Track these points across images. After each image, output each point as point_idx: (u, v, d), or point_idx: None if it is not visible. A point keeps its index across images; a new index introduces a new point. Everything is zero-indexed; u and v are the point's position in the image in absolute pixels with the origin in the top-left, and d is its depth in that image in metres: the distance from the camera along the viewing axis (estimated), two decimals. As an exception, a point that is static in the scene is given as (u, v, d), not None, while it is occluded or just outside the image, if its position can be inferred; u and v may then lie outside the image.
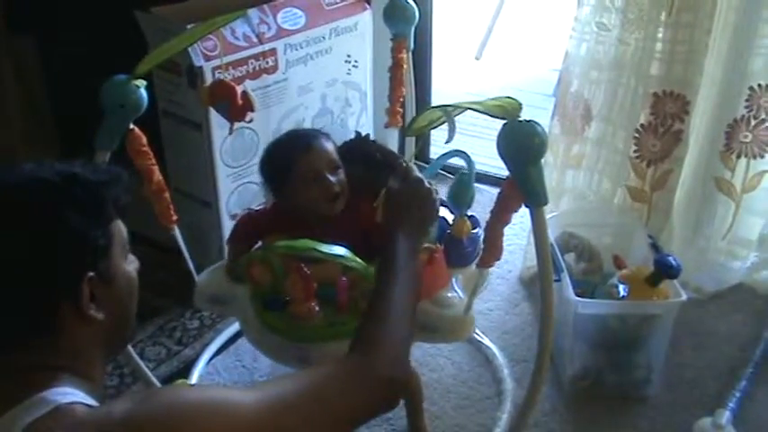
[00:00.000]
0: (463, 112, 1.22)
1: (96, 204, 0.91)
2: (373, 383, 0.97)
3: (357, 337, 1.03)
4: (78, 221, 0.88)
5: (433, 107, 1.29)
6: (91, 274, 0.89)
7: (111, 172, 0.96)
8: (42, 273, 0.87)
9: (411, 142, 1.92)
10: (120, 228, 0.96)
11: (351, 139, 1.50)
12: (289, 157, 1.38)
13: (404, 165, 1.28)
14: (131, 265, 0.99)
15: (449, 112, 1.24)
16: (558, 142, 1.98)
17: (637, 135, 1.86)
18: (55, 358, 0.89)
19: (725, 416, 1.59)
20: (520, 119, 1.14)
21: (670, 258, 1.63)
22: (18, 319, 0.88)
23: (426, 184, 1.20)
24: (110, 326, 0.93)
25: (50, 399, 0.83)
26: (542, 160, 1.18)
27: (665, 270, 1.61)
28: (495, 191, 1.24)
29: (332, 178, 1.37)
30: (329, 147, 1.40)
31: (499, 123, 1.16)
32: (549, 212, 1.85)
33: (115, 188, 0.94)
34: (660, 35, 1.76)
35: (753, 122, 1.83)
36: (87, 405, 0.85)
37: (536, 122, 1.15)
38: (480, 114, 1.17)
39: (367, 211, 1.40)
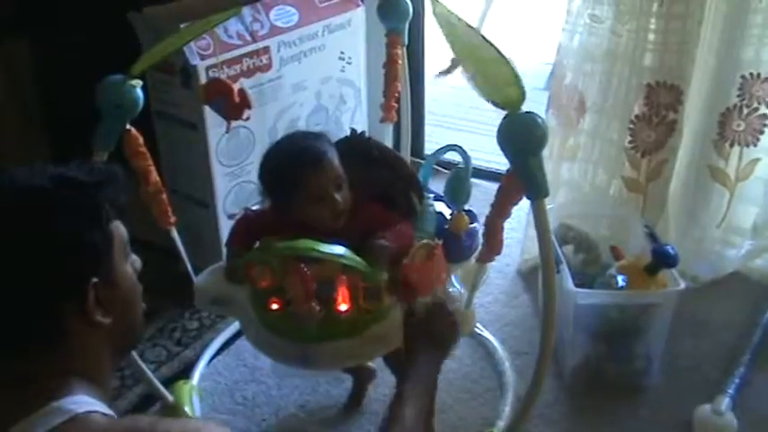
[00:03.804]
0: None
1: (92, 207, 0.89)
2: None
3: None
4: (74, 226, 0.87)
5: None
6: (94, 279, 0.88)
7: (106, 172, 0.94)
8: (44, 281, 0.85)
9: (407, 137, 1.92)
10: (120, 228, 0.94)
11: (346, 137, 1.49)
12: (295, 176, 1.34)
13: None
14: (134, 264, 0.97)
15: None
16: (553, 135, 1.98)
17: (631, 126, 1.87)
18: (65, 364, 0.88)
19: (724, 402, 1.61)
20: (521, 111, 1.14)
21: (668, 248, 1.65)
22: (25, 328, 0.87)
23: (448, 308, 1.25)
24: (117, 329, 0.92)
25: (66, 408, 0.83)
26: (541, 152, 1.18)
27: (663, 259, 1.63)
28: (491, 185, 1.24)
29: (337, 196, 1.34)
30: (335, 161, 1.36)
31: (495, 119, 1.16)
32: (546, 205, 1.87)
33: (111, 188, 0.92)
34: (652, 26, 1.77)
35: (745, 111, 1.85)
36: (105, 414, 0.85)
37: (536, 114, 1.15)
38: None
39: (366, 210, 1.41)
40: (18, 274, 0.84)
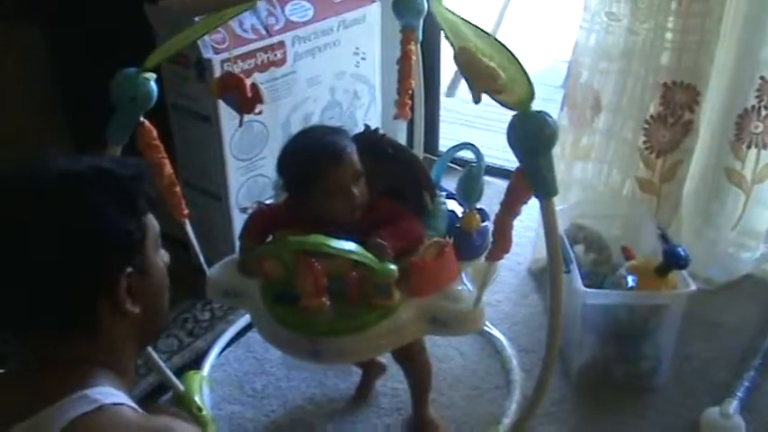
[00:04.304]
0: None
1: (130, 199, 0.92)
2: None
3: None
4: (115, 216, 0.89)
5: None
6: (129, 268, 0.90)
7: (137, 166, 0.97)
8: (81, 268, 0.87)
9: (420, 134, 1.92)
10: (153, 221, 0.97)
11: (360, 133, 1.50)
12: (315, 170, 1.34)
13: None
14: (163, 258, 0.99)
15: None
16: (566, 134, 1.98)
17: (646, 126, 1.86)
18: (92, 353, 0.90)
19: (733, 405, 1.60)
20: (531, 109, 1.14)
21: (679, 249, 1.64)
22: (57, 315, 0.89)
23: None
24: (145, 319, 0.94)
25: (93, 397, 0.84)
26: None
27: (673, 261, 1.62)
28: (504, 183, 1.24)
29: (355, 190, 1.35)
30: (355, 156, 1.36)
31: (508, 116, 1.16)
32: (558, 205, 1.86)
33: (144, 182, 0.95)
34: (670, 25, 1.75)
35: (764, 113, 1.83)
36: (132, 407, 0.87)
37: (546, 113, 1.15)
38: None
39: (379, 206, 1.41)
40: (56, 261, 0.86)
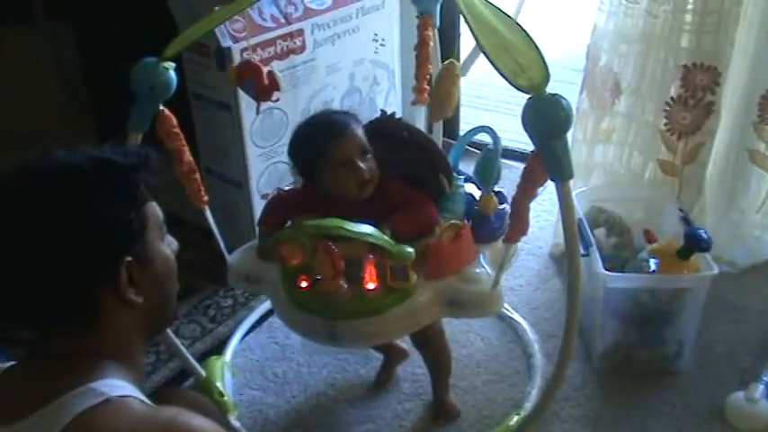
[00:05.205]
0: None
1: (128, 188, 0.92)
2: None
3: None
4: (111, 206, 0.89)
5: None
6: (128, 258, 0.89)
7: (140, 154, 0.96)
8: (79, 259, 0.87)
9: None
10: (155, 209, 0.97)
11: (377, 118, 1.50)
12: (320, 145, 1.37)
13: None
14: (170, 246, 0.99)
15: None
16: (586, 117, 1.97)
17: (667, 108, 1.84)
18: (98, 344, 0.90)
19: (758, 390, 1.58)
20: (545, 93, 1.13)
21: (701, 232, 1.62)
22: (59, 306, 0.89)
23: None
24: (150, 308, 0.94)
25: (100, 390, 0.84)
26: (569, 135, 1.17)
27: (695, 243, 1.60)
28: (521, 166, 1.23)
29: (362, 165, 1.36)
30: (360, 133, 1.39)
31: (525, 99, 1.15)
32: (579, 188, 1.85)
33: (146, 170, 0.95)
34: (690, 6, 1.73)
35: (788, 93, 1.80)
36: (139, 399, 0.87)
37: (561, 96, 1.14)
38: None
39: (394, 190, 1.42)
40: (54, 253, 0.87)
